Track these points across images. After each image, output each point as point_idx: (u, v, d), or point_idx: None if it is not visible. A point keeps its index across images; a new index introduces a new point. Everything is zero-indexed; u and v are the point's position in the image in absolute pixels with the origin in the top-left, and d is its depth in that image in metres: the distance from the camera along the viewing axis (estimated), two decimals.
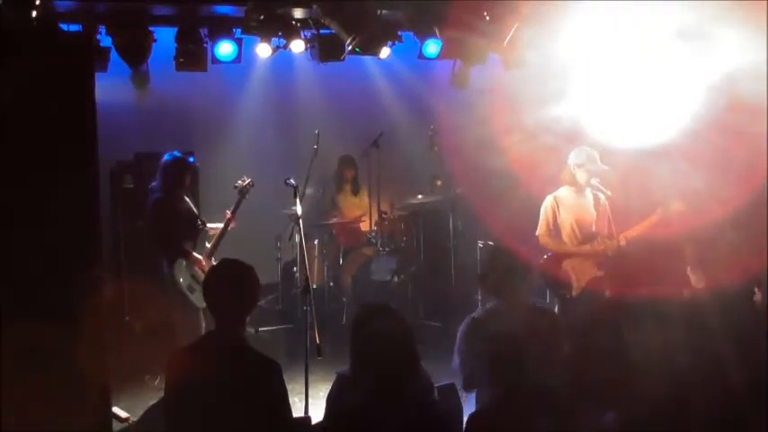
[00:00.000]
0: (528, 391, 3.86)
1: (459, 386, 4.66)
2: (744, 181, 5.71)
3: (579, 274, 6.62)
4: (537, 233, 6.74)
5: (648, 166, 6.95)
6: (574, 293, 6.61)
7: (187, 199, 6.87)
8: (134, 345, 7.73)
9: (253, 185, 7.01)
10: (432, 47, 7.93)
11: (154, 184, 6.72)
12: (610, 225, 6.65)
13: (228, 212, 6.90)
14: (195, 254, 6.72)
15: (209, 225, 6.96)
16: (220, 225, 6.91)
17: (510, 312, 4.70)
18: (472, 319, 4.77)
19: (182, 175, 6.72)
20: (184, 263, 6.65)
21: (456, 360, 4.73)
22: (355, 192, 9.75)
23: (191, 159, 8.45)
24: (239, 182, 7.00)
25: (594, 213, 6.70)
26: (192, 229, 6.79)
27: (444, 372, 4.52)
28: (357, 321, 4.07)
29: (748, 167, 5.57)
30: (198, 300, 6.54)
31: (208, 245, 6.89)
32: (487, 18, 7.34)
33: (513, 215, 7.70)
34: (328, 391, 4.00)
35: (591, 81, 7.08)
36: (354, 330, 4.00)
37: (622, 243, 6.45)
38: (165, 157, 6.70)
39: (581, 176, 6.61)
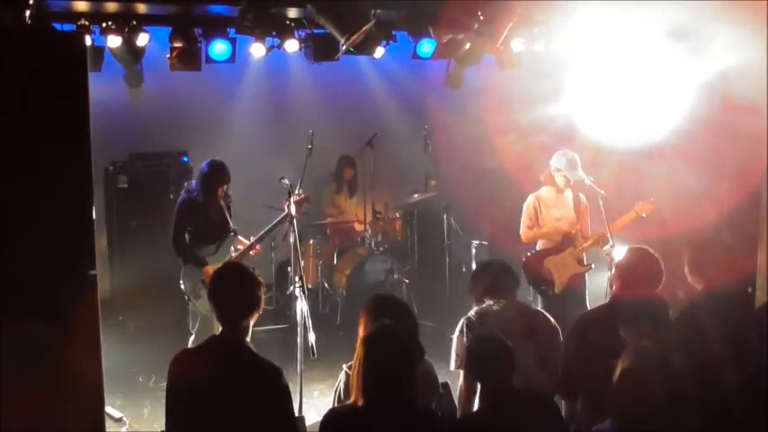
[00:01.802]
0: (522, 392, 3.86)
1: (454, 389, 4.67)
2: (738, 181, 5.72)
3: (561, 272, 6.72)
4: (520, 232, 6.83)
5: (642, 165, 6.98)
6: (556, 290, 6.72)
7: (224, 205, 6.82)
8: (128, 345, 7.73)
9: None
10: (426, 47, 7.91)
11: (192, 185, 6.73)
12: (587, 225, 6.82)
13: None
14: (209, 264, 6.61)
15: (240, 237, 6.91)
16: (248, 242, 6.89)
17: (504, 312, 4.74)
18: (467, 318, 4.82)
19: (216, 182, 6.66)
20: (192, 267, 6.63)
21: (453, 363, 4.82)
22: (353, 192, 9.75)
23: (184, 159, 8.46)
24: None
25: (574, 214, 6.80)
26: (214, 235, 6.74)
27: (439, 372, 4.51)
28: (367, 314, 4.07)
29: (743, 167, 5.58)
30: (201, 306, 6.53)
31: (234, 254, 6.83)
32: (482, 18, 7.33)
33: (507, 215, 7.71)
34: (322, 390, 3.99)
35: (585, 80, 7.10)
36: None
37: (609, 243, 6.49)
38: (206, 163, 6.69)
39: (559, 180, 6.76)
